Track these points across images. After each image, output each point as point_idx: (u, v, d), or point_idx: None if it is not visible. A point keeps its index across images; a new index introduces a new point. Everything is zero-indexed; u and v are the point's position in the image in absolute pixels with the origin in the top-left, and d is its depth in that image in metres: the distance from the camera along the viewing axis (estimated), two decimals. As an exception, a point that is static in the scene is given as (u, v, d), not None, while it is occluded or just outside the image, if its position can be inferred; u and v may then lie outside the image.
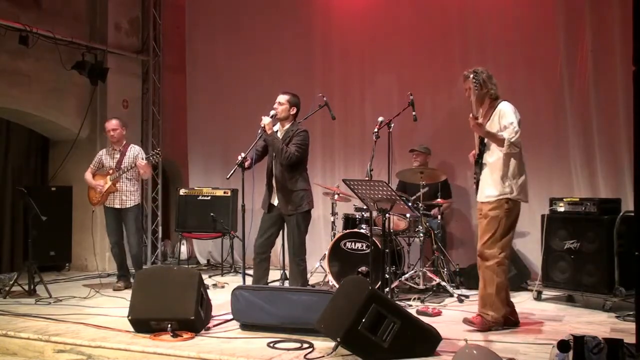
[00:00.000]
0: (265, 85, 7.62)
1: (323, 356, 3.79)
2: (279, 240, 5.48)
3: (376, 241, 5.52)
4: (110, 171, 6.43)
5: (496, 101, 4.55)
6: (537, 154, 6.26)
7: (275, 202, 5.16)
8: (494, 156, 4.50)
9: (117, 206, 6.41)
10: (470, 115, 4.41)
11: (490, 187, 4.50)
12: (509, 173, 4.45)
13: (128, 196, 6.42)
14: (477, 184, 4.64)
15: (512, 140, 4.35)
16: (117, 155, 6.49)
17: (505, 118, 4.44)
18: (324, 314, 4.00)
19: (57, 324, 4.70)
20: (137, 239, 6.48)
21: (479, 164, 4.61)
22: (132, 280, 6.25)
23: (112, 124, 6.51)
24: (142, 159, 6.29)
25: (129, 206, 6.42)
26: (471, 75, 4.47)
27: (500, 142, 4.39)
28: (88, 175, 6.56)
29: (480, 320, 4.44)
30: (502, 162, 4.45)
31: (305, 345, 4.00)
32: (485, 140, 4.54)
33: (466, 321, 4.48)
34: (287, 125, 5.20)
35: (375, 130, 5.55)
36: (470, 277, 6.23)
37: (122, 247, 6.51)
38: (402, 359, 3.67)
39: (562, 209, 5.55)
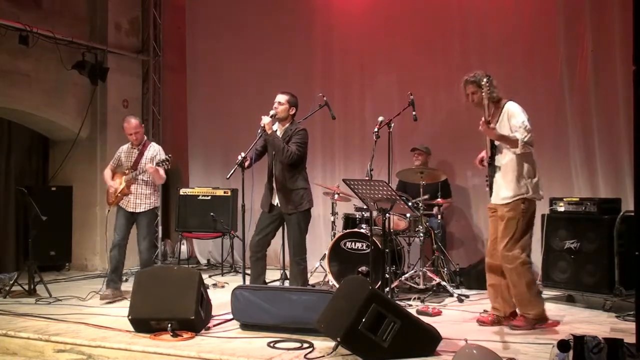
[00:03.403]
0: (265, 85, 7.61)
1: (323, 356, 3.79)
2: (279, 240, 5.49)
3: (376, 241, 5.52)
4: (127, 171, 5.97)
5: (500, 102, 4.55)
6: (537, 154, 6.17)
7: (276, 201, 5.16)
8: (506, 158, 4.51)
9: (130, 209, 5.92)
10: (482, 119, 4.39)
11: (506, 189, 4.51)
12: (523, 173, 4.47)
13: (142, 199, 5.95)
14: (490, 186, 4.63)
15: (526, 140, 4.35)
16: (135, 155, 6.00)
17: (515, 118, 4.44)
18: (324, 313, 4.00)
19: (57, 324, 4.71)
20: (147, 245, 5.99)
21: (491, 166, 4.60)
22: (121, 289, 5.89)
23: (133, 125, 5.96)
24: (159, 161, 5.82)
25: (142, 210, 5.94)
26: (484, 80, 4.43)
27: (513, 143, 4.40)
28: (107, 173, 6.11)
29: (523, 320, 4.47)
30: (516, 162, 4.47)
31: (306, 345, 4.00)
32: (496, 142, 4.53)
33: (511, 326, 4.48)
34: (286, 125, 5.21)
35: (375, 130, 5.55)
36: (470, 276, 6.24)
37: (123, 250, 5.99)
38: (402, 359, 3.67)
39: (562, 209, 5.55)
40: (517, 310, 4.58)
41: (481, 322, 4.63)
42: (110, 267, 5.96)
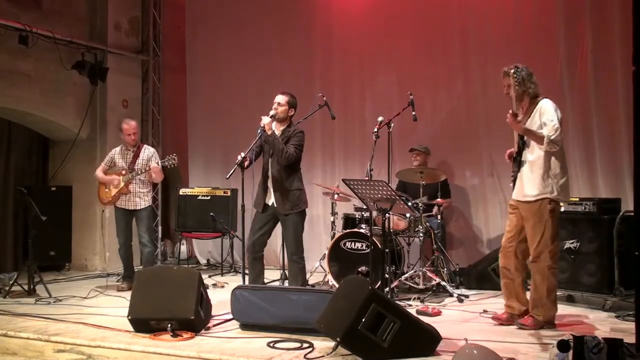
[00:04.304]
0: (265, 85, 7.63)
1: (323, 356, 3.79)
2: (278, 240, 5.49)
3: (376, 241, 5.52)
4: (123, 172, 6.33)
5: (536, 99, 4.52)
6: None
7: (271, 201, 5.17)
8: (534, 154, 4.46)
9: (130, 208, 6.35)
10: (510, 111, 4.36)
11: (530, 186, 4.46)
12: (550, 172, 4.42)
13: (141, 197, 6.37)
14: (514, 182, 4.59)
15: (552, 137, 4.31)
16: (130, 156, 6.41)
17: (545, 115, 4.40)
18: (324, 313, 4.00)
19: (57, 324, 4.70)
20: (148, 237, 6.40)
21: (517, 161, 4.55)
22: None
23: (133, 125, 6.41)
24: (157, 162, 6.22)
25: (142, 207, 6.38)
26: (512, 71, 4.41)
27: (539, 139, 4.36)
28: (99, 173, 6.44)
29: (531, 320, 4.47)
30: (543, 160, 4.41)
31: (305, 345, 4.00)
32: (525, 137, 4.50)
33: (520, 325, 4.49)
34: (284, 126, 5.21)
35: (375, 130, 5.55)
36: (470, 276, 6.24)
37: (130, 248, 6.45)
38: (402, 359, 3.67)
39: (562, 209, 5.54)
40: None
41: (497, 319, 4.63)
42: (123, 266, 6.51)
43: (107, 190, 6.40)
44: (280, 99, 5.19)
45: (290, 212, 5.10)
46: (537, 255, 4.46)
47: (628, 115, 5.73)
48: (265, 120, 5.01)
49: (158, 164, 6.22)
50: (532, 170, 4.47)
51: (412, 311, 4.55)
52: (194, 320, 4.28)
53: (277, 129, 5.20)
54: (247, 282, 5.24)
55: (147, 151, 6.48)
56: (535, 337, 4.23)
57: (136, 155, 6.39)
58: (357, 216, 6.45)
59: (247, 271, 5.50)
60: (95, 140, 8.00)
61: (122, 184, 6.30)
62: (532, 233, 4.47)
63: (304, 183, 5.30)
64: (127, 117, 6.88)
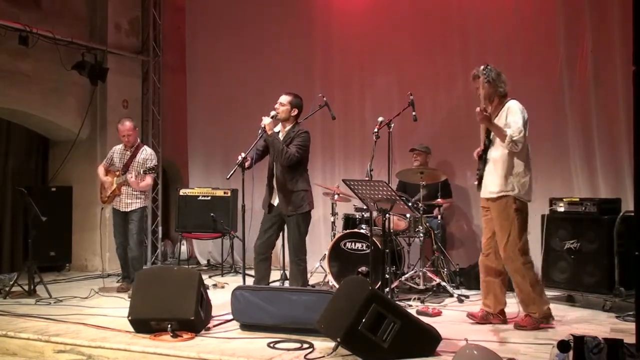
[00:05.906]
0: (265, 85, 7.63)
1: (323, 356, 3.79)
2: (279, 241, 5.48)
3: (376, 241, 5.52)
4: (117, 173, 6.29)
5: (505, 99, 4.58)
6: (537, 154, 6.23)
7: (276, 202, 5.16)
8: (498, 152, 4.54)
9: (122, 209, 6.30)
10: (478, 108, 4.44)
11: (493, 183, 4.55)
12: (513, 171, 4.49)
13: (133, 199, 6.28)
14: (479, 179, 4.67)
15: (514, 138, 4.38)
16: (127, 157, 6.32)
17: (511, 115, 4.48)
18: (324, 314, 4.00)
19: (57, 324, 4.70)
20: (136, 241, 6.24)
21: (482, 159, 4.64)
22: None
23: (127, 127, 6.30)
24: (147, 168, 6.11)
25: (132, 209, 6.28)
26: (481, 68, 4.51)
27: (503, 137, 4.44)
28: (101, 170, 6.45)
29: (529, 320, 4.49)
30: (507, 159, 4.49)
31: (306, 346, 4.00)
32: (492, 135, 4.58)
33: (517, 326, 4.52)
34: (289, 127, 5.20)
35: (375, 130, 5.55)
36: (470, 277, 6.23)
37: (127, 249, 6.37)
38: (402, 359, 3.68)
39: (562, 209, 5.55)
40: (521, 310, 4.58)
41: (471, 316, 4.72)
42: (120, 265, 6.47)
43: (105, 189, 6.42)
44: (283, 99, 5.18)
45: (293, 213, 5.08)
46: (508, 255, 4.51)
47: (628, 115, 5.73)
48: (266, 120, 5.01)
49: (140, 173, 6.08)
50: (495, 169, 4.55)
51: (412, 311, 4.56)
52: (194, 320, 4.28)
53: (281, 129, 5.19)
54: (247, 283, 5.24)
55: (144, 153, 6.33)
56: (535, 337, 4.23)
57: (133, 156, 6.30)
58: (357, 216, 6.45)
59: (247, 271, 5.50)
60: (95, 141, 7.99)
61: (114, 186, 6.26)
62: (500, 233, 4.53)
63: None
64: (127, 117, 6.82)
